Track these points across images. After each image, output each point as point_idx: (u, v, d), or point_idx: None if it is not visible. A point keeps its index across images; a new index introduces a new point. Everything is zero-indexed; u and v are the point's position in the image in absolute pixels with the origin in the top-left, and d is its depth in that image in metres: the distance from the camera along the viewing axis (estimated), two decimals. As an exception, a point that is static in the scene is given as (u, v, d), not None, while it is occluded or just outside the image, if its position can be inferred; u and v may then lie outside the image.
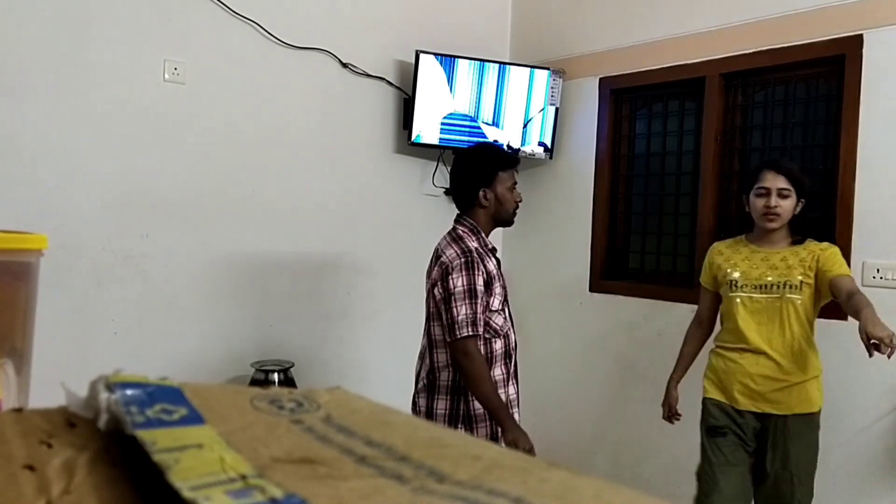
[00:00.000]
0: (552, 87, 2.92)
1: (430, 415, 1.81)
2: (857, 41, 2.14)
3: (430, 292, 1.82)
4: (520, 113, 2.91)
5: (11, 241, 0.52)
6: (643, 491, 0.27)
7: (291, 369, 2.42)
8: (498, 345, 1.82)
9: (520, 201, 1.91)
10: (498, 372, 1.84)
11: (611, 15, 2.82)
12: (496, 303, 1.81)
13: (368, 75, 2.78)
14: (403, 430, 0.31)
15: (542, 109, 2.93)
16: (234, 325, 2.50)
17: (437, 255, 1.83)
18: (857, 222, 2.15)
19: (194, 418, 0.29)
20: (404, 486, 0.25)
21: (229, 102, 2.45)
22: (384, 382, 2.83)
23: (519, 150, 2.91)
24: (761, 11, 2.36)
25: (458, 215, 1.90)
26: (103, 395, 0.29)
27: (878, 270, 2.10)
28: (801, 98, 2.39)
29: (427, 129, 2.80)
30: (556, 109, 2.94)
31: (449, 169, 3.06)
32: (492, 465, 0.27)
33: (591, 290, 2.88)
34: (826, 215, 2.27)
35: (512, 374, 1.89)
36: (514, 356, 1.90)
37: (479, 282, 1.75)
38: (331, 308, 2.76)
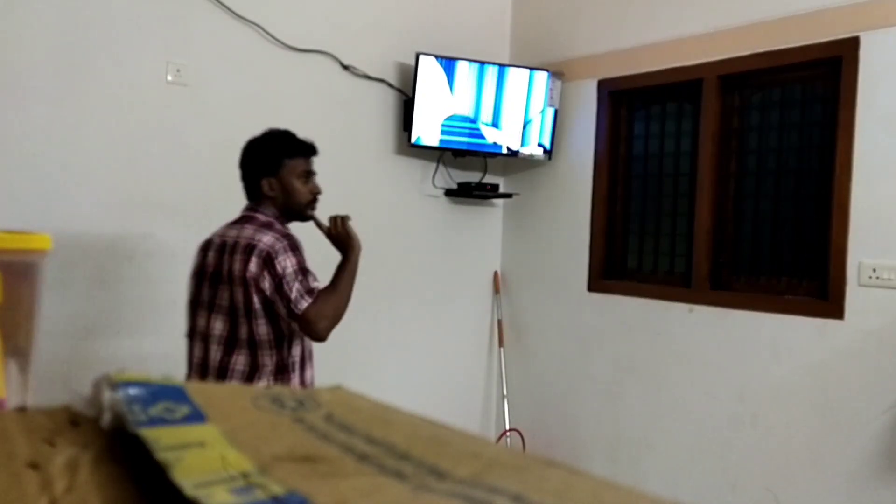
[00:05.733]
0: (551, 89, 2.93)
1: None
2: (854, 43, 2.15)
3: (248, 289, 1.57)
4: (519, 114, 2.92)
5: (16, 241, 0.52)
6: (640, 489, 0.28)
7: (290, 370, 2.42)
8: (297, 350, 1.67)
9: (318, 193, 1.72)
10: (309, 375, 1.71)
11: (609, 17, 2.83)
12: None
13: (369, 77, 2.78)
14: (404, 428, 0.31)
15: (542, 111, 2.93)
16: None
17: (244, 247, 1.58)
18: (854, 223, 2.15)
19: (197, 417, 0.29)
20: (405, 483, 0.25)
21: (232, 104, 2.45)
22: (384, 381, 2.84)
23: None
24: (758, 14, 2.37)
25: (247, 206, 1.71)
26: (106, 394, 0.30)
27: (874, 271, 2.11)
28: (797, 100, 2.40)
29: (427, 130, 2.80)
30: (555, 111, 2.95)
31: (449, 171, 3.08)
32: (491, 462, 0.28)
33: (590, 289, 2.88)
34: (822, 216, 2.28)
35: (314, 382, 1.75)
36: (312, 361, 1.75)
37: (307, 263, 1.62)
38: (329, 309, 2.76)
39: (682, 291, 2.59)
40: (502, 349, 3.17)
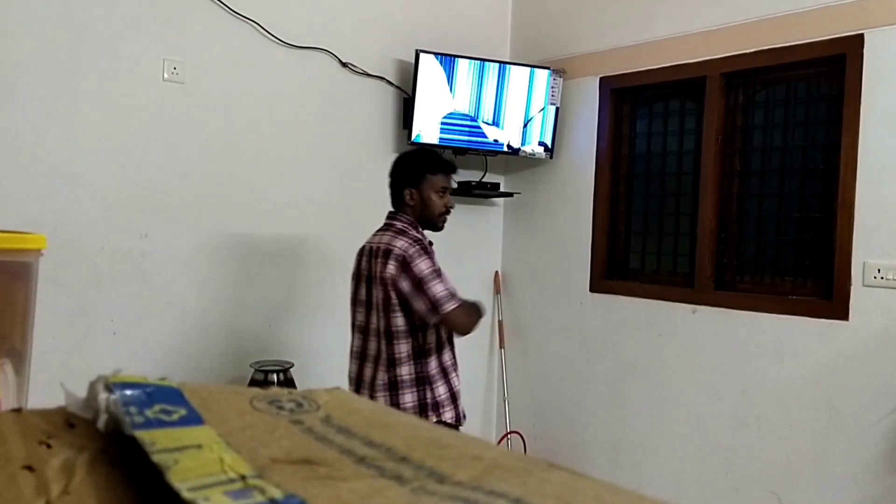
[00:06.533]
0: (552, 87, 2.92)
1: (395, 408, 1.86)
2: (859, 41, 2.14)
3: (387, 288, 1.85)
4: (520, 112, 2.91)
5: (10, 241, 0.52)
6: (643, 492, 0.27)
7: (291, 369, 2.42)
8: (432, 338, 1.93)
9: (451, 207, 1.97)
10: (447, 357, 1.94)
11: (611, 14, 2.82)
12: None
13: (368, 75, 2.77)
14: (403, 430, 0.31)
15: (543, 109, 2.93)
16: (233, 324, 2.50)
17: (383, 251, 1.87)
18: (858, 222, 2.14)
19: (193, 419, 0.29)
20: (404, 486, 0.25)
21: (229, 102, 2.45)
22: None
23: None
24: (762, 11, 2.36)
25: (390, 213, 1.99)
26: (102, 396, 0.29)
27: (878, 270, 2.10)
28: (801, 98, 2.39)
29: (427, 128, 2.79)
30: (557, 109, 2.94)
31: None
32: (492, 465, 0.27)
33: (592, 290, 2.88)
34: (827, 215, 2.27)
35: (457, 364, 1.99)
36: (453, 345, 1.99)
37: (438, 264, 1.86)
38: (331, 308, 2.76)
39: (686, 292, 2.58)
40: (503, 350, 3.17)
